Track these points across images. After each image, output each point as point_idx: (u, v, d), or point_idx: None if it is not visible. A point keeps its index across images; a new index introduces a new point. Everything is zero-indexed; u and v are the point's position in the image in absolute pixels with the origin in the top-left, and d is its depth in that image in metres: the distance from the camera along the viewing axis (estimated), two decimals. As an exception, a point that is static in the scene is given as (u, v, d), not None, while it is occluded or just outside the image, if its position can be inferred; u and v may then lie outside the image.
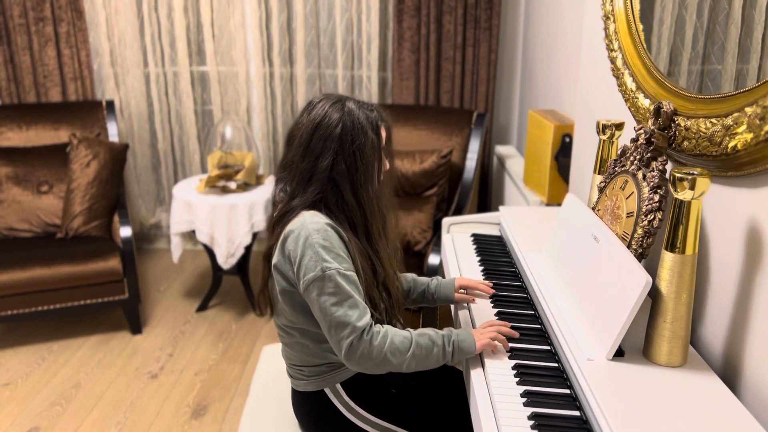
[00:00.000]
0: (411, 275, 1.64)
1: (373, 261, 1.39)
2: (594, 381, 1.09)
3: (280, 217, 1.38)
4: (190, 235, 3.65)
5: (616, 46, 1.63)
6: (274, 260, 1.35)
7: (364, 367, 1.27)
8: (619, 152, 1.42)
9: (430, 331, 1.32)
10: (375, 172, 1.36)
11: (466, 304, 1.54)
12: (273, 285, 1.40)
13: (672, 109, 1.30)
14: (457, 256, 1.79)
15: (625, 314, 1.12)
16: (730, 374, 1.17)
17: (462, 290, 1.58)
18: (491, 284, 1.56)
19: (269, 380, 1.75)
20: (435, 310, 2.58)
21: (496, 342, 1.29)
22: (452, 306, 1.64)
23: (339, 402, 1.42)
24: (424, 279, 1.63)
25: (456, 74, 3.41)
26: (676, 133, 1.29)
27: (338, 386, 1.42)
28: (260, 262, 1.49)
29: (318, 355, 1.40)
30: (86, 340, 2.95)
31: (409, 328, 1.33)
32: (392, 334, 1.28)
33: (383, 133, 1.39)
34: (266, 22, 3.58)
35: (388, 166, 1.43)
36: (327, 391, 1.43)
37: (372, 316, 1.35)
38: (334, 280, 1.25)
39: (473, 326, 1.43)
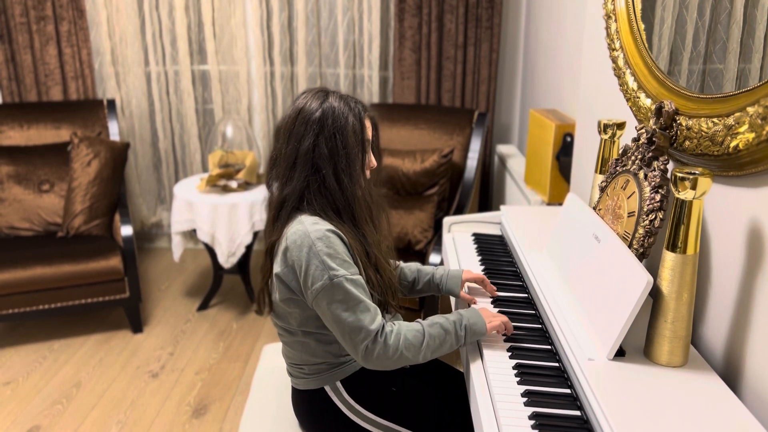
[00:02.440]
0: (415, 264, 1.63)
1: (363, 244, 1.39)
2: (595, 381, 1.09)
3: (277, 210, 1.39)
4: (191, 234, 3.66)
5: (617, 45, 1.63)
6: (276, 270, 1.35)
7: (382, 366, 1.29)
8: (620, 152, 1.42)
9: (439, 318, 1.33)
10: (357, 159, 1.36)
11: (468, 305, 1.54)
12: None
13: (673, 108, 1.30)
14: (458, 255, 1.79)
15: (626, 314, 1.12)
16: (731, 374, 1.17)
17: (467, 285, 1.57)
18: (495, 288, 1.56)
19: (270, 379, 1.75)
20: (436, 309, 2.58)
21: (503, 326, 1.33)
22: (453, 302, 1.64)
23: (339, 400, 1.42)
24: (428, 268, 1.62)
25: (457, 73, 3.41)
26: (678, 132, 1.29)
27: (338, 384, 1.42)
28: (261, 261, 1.48)
29: (319, 354, 1.40)
30: (87, 339, 2.95)
31: (419, 319, 1.34)
32: (405, 330, 1.29)
33: (368, 124, 1.39)
34: (267, 20, 3.58)
35: (374, 162, 1.43)
36: (327, 389, 1.43)
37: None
38: (343, 287, 1.26)
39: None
